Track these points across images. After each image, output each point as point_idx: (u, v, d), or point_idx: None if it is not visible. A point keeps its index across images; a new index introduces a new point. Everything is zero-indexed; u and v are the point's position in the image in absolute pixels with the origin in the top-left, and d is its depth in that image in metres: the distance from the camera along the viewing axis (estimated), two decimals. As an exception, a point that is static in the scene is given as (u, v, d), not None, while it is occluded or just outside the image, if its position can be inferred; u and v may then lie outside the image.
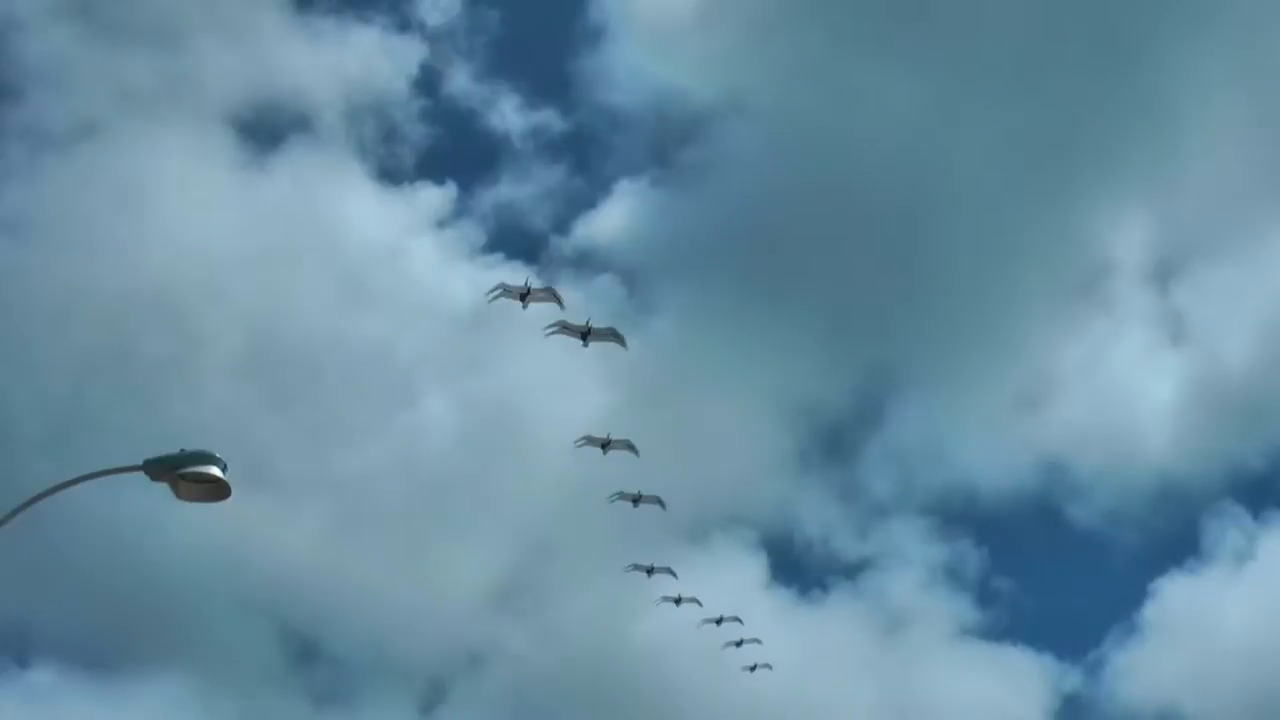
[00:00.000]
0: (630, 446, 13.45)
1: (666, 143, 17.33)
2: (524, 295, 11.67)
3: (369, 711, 13.79)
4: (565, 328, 12.05)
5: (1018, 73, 16.90)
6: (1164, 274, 17.45)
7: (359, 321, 15.27)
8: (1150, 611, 15.76)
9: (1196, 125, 16.78)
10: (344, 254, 15.48)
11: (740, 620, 14.17)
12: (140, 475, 5.05)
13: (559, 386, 14.83)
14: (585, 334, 12.06)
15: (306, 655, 14.31)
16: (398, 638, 13.86)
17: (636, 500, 14.01)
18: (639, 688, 13.94)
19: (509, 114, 17.11)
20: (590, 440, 13.21)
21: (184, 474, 4.78)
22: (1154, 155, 17.20)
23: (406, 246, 15.96)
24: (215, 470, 4.78)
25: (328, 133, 16.16)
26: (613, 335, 12.51)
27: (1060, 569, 18.06)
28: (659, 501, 14.00)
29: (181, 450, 4.80)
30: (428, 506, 14.93)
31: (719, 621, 14.09)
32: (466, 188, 17.31)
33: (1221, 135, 16.50)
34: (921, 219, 16.32)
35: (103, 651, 12.98)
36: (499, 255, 16.05)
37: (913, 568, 16.03)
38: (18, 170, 15.53)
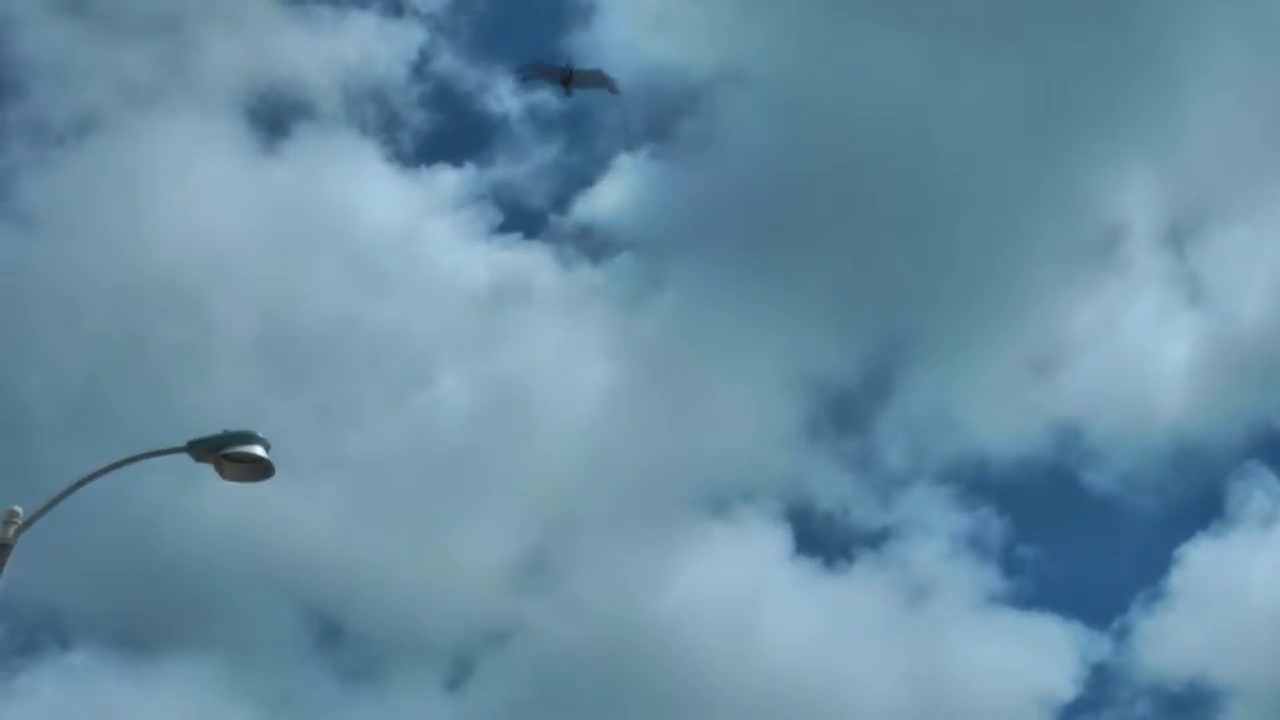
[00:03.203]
0: (602, 82, 10.12)
1: (664, 117, 17.28)
2: (566, 79, 9.99)
3: (395, 688, 13.89)
4: (542, 72, 10.07)
5: (1016, 31, 16.89)
6: (1175, 234, 17.41)
7: (372, 304, 15.31)
8: (1176, 577, 15.72)
9: (1200, 80, 16.78)
10: (354, 238, 15.50)
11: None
12: (170, 459, 5.09)
13: (572, 363, 14.87)
14: (566, 79, 10.07)
15: (331, 634, 14.41)
16: (421, 616, 13.95)
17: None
18: (663, 659, 14.01)
19: (505, 95, 17.08)
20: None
21: (228, 454, 4.81)
22: (1159, 112, 17.18)
23: (416, 229, 15.98)
24: (259, 450, 4.81)
25: (331, 118, 16.17)
26: (598, 79, 10.26)
27: (1083, 536, 18.04)
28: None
29: (224, 430, 4.84)
30: (446, 485, 14.98)
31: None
32: (472, 169, 17.31)
33: (1226, 90, 16.50)
34: (926, 184, 16.31)
35: (135, 632, 13.17)
36: (514, 236, 16.07)
37: (936, 537, 16.04)
38: (24, 164, 15.57)
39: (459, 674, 14.37)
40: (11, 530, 4.62)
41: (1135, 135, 17.28)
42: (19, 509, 4.76)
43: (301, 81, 15.83)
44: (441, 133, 17.02)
